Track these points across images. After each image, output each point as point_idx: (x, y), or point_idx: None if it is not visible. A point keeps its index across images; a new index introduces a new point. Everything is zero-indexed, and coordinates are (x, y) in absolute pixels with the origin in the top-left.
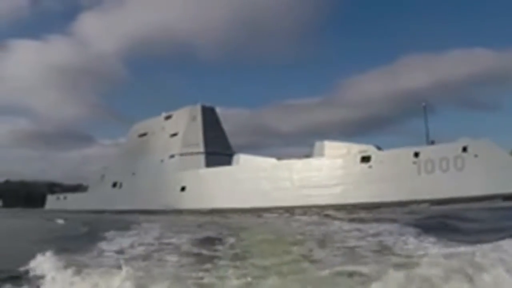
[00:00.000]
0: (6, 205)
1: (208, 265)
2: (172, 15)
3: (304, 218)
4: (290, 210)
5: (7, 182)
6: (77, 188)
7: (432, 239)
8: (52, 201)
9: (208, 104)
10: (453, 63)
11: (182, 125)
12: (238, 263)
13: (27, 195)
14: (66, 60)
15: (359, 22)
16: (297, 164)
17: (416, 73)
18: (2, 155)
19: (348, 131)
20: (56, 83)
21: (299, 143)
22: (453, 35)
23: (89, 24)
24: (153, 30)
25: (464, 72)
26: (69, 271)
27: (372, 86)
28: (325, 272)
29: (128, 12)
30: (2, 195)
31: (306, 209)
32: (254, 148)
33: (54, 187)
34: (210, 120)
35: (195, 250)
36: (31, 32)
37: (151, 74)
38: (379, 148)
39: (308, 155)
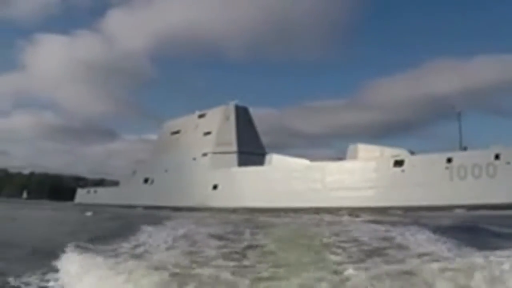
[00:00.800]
0: (31, 197)
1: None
2: (200, 15)
3: (329, 218)
4: (321, 211)
5: (31, 175)
6: (101, 183)
7: (455, 243)
8: (82, 195)
9: (241, 104)
10: (480, 69)
11: (216, 124)
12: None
13: (52, 188)
14: (93, 55)
15: (385, 26)
16: (330, 166)
17: (442, 78)
18: (27, 147)
19: (372, 134)
20: (83, 78)
21: (323, 144)
22: (481, 40)
23: (117, 21)
24: (181, 29)
25: (492, 79)
26: (97, 265)
27: (397, 90)
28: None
29: (156, 11)
30: (26, 187)
31: (337, 211)
32: (278, 148)
33: (79, 181)
34: (244, 120)
35: (221, 244)
36: (59, 27)
37: (178, 72)
38: (412, 153)
39: (340, 158)
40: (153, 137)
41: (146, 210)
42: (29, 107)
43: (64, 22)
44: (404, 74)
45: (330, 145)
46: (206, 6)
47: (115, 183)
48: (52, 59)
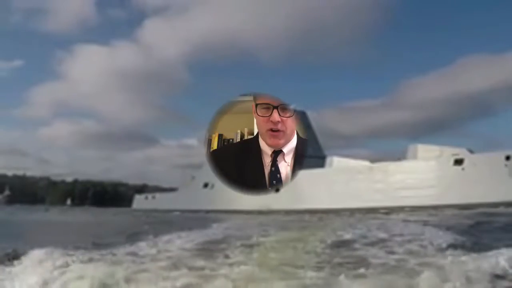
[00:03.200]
0: (75, 204)
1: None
2: (234, 22)
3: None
4: (385, 211)
5: (75, 182)
6: (143, 188)
7: None
8: (140, 201)
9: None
10: None
11: None
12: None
13: (94, 194)
14: (132, 64)
15: (418, 25)
16: (392, 166)
17: (476, 74)
18: (68, 155)
19: (409, 133)
20: (121, 86)
21: (358, 144)
22: None
23: (154, 30)
24: (216, 36)
25: None
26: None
27: (433, 88)
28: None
29: (192, 19)
30: (70, 194)
31: (400, 210)
32: None
33: (120, 187)
34: (302, 124)
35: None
36: (98, 38)
37: (214, 78)
38: (471, 151)
39: (399, 158)
40: (192, 142)
41: (207, 214)
42: (69, 116)
43: (102, 33)
44: (439, 72)
45: (365, 145)
46: (239, 14)
47: (157, 189)
48: (91, 68)
